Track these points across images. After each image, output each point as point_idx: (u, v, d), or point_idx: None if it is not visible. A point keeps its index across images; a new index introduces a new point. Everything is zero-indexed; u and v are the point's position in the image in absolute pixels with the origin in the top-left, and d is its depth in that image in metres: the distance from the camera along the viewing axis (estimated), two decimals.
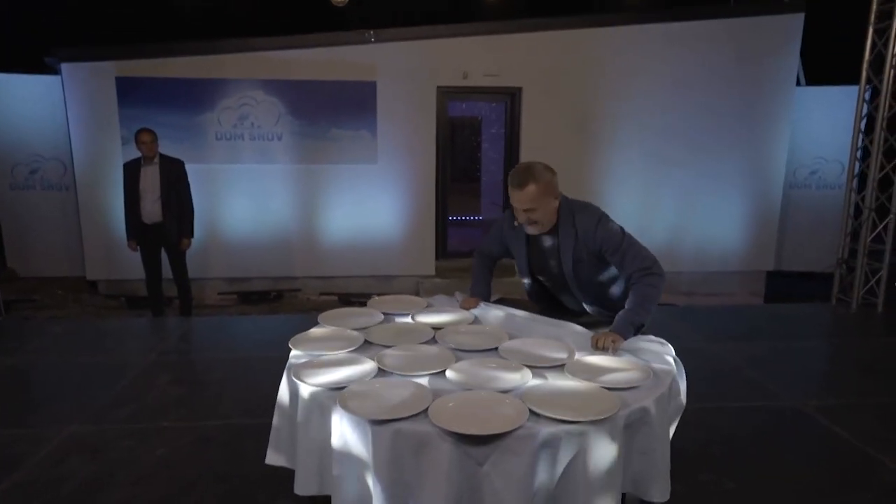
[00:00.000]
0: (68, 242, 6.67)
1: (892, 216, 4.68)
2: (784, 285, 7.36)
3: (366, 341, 2.07)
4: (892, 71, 4.50)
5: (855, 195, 5.02)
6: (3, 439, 2.84)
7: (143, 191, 4.91)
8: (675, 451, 1.83)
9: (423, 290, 6.68)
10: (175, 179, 4.98)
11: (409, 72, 6.56)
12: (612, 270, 2.31)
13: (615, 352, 1.94)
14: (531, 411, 1.52)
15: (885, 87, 4.48)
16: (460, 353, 1.98)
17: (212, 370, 3.66)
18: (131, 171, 4.95)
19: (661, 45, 6.66)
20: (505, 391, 1.66)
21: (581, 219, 2.23)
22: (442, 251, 7.21)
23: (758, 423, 3.07)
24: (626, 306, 2.12)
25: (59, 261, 6.78)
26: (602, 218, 2.24)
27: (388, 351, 1.96)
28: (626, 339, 2.01)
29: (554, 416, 1.49)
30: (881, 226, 4.80)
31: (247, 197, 6.62)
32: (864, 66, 4.64)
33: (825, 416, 3.13)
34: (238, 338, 4.50)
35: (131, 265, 5.42)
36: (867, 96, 4.83)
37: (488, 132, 9.77)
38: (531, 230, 2.24)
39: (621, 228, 2.25)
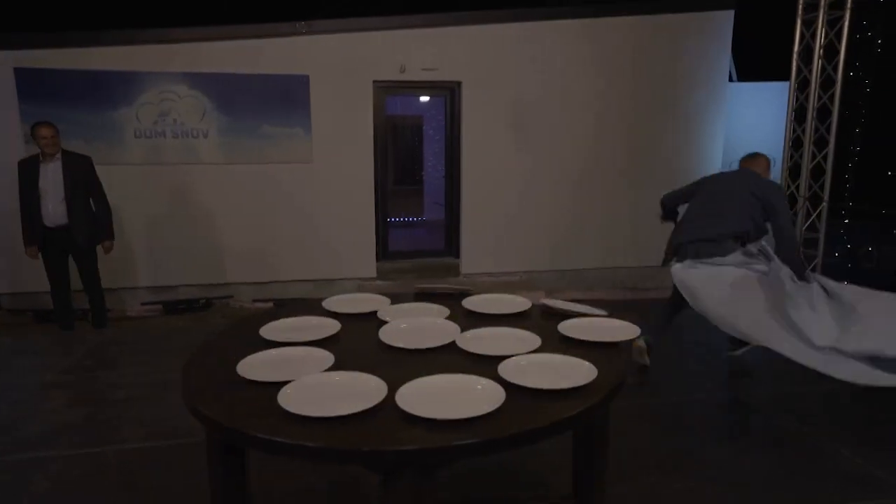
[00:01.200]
0: None
1: (824, 204, 4.72)
2: None
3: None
4: (820, 61, 4.55)
5: (791, 185, 5.06)
6: None
7: (43, 191, 4.43)
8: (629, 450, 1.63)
9: (365, 292, 6.38)
10: (82, 178, 4.52)
11: (343, 65, 6.26)
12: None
13: None
14: None
15: (815, 77, 4.51)
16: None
17: (117, 389, 3.26)
18: (28, 170, 4.45)
19: (598, 40, 6.63)
20: None
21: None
22: (383, 252, 6.94)
23: (703, 417, 2.94)
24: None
25: None
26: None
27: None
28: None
29: None
30: (814, 214, 4.85)
31: (171, 199, 6.16)
32: (794, 57, 4.67)
33: (772, 407, 3.04)
34: (153, 351, 4.09)
35: (39, 276, 4.89)
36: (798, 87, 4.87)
37: (431, 132, 9.55)
38: None
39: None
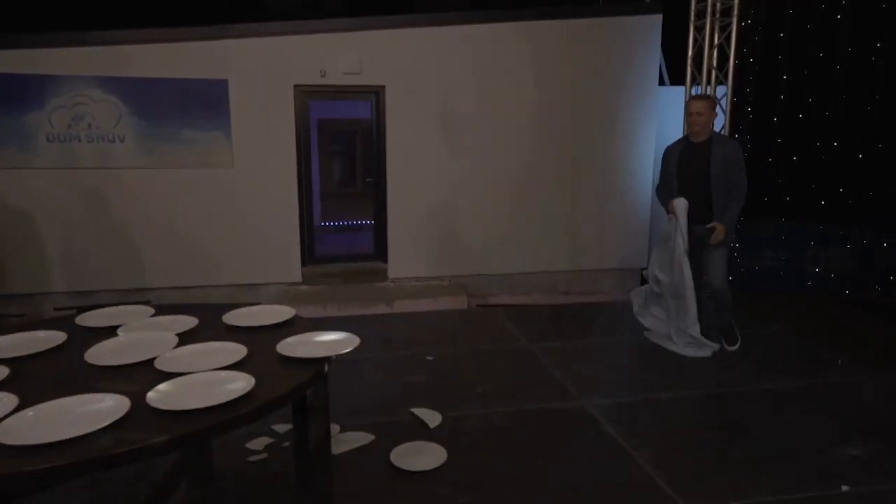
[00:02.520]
0: None
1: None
2: None
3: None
4: (713, 71, 4.49)
5: None
6: None
7: None
8: None
9: (289, 297, 6.33)
10: None
11: (263, 70, 6.20)
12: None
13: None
14: None
15: (704, 84, 4.45)
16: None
17: None
18: None
19: (527, 43, 6.56)
20: None
21: (722, 138, 4.12)
22: (309, 257, 6.87)
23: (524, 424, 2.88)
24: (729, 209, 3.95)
25: None
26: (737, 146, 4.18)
27: None
28: (729, 231, 3.94)
29: None
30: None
31: (88, 203, 6.10)
32: (689, 63, 4.61)
33: (604, 415, 2.97)
34: None
35: None
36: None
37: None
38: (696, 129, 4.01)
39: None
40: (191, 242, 6.35)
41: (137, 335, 1.92)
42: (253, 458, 2.65)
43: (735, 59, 4.38)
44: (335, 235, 9.14)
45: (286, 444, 2.77)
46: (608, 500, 2.35)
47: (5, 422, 1.36)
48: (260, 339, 1.91)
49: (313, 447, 1.84)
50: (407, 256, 6.82)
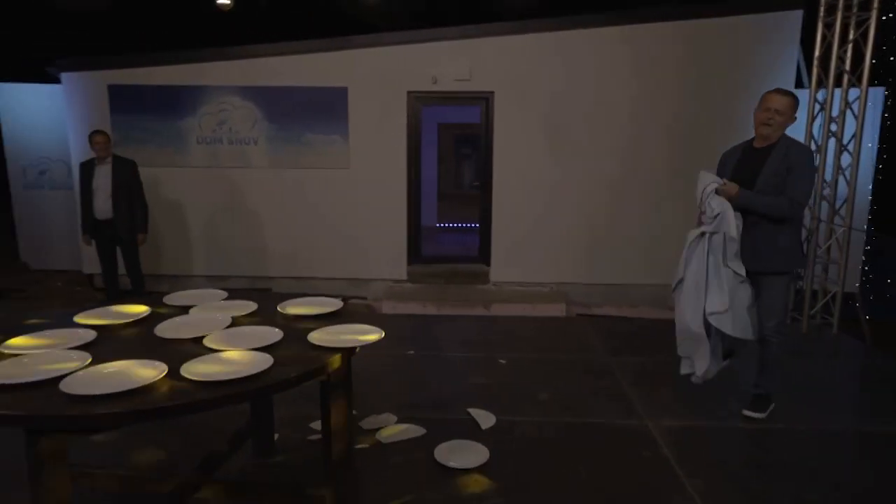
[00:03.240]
0: (71, 237, 7.23)
1: (844, 229, 4.16)
2: None
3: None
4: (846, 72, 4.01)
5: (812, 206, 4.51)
6: None
7: (95, 188, 5.26)
8: None
9: (392, 293, 6.68)
10: (126, 179, 5.29)
11: (379, 77, 6.61)
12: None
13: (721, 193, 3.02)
14: None
15: (843, 87, 4.00)
16: None
17: None
18: (86, 170, 5.31)
19: (643, 46, 6.31)
20: None
21: (794, 144, 3.05)
22: (415, 256, 7.17)
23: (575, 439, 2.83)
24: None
25: (64, 255, 7.36)
26: (810, 151, 3.10)
27: None
28: (738, 198, 2.97)
29: None
30: (831, 239, 4.29)
31: (225, 198, 6.91)
32: (815, 65, 4.18)
33: (664, 436, 2.83)
34: None
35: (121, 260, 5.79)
36: (822, 97, 4.34)
37: None
38: (764, 131, 3.06)
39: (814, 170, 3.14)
40: (309, 237, 6.93)
41: (201, 315, 2.21)
42: (312, 437, 2.89)
43: (872, 58, 3.87)
44: (447, 236, 9.38)
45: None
46: None
47: (76, 375, 1.66)
48: (301, 327, 2.11)
49: (331, 434, 2.00)
50: (509, 261, 6.87)
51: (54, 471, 1.56)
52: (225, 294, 2.54)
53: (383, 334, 2.03)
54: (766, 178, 2.98)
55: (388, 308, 6.26)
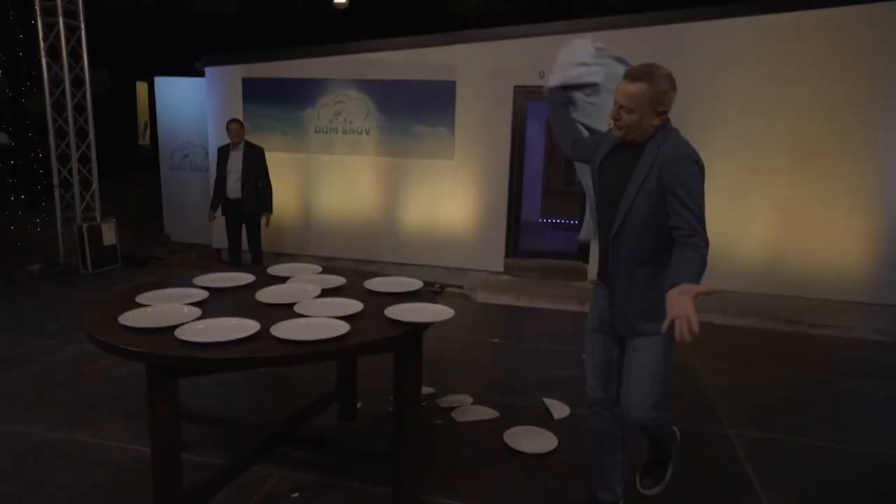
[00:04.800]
0: (205, 216, 8.07)
1: None
2: None
3: None
4: None
5: None
6: (38, 345, 3.77)
7: (229, 171, 5.87)
8: None
9: (488, 285, 6.81)
10: (254, 163, 5.84)
11: (487, 71, 6.72)
12: (662, 245, 1.99)
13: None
14: None
15: None
16: None
17: None
18: (222, 154, 5.93)
19: (758, 41, 5.91)
20: None
21: (671, 144, 2.01)
22: (513, 250, 7.23)
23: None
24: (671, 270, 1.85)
25: (199, 230, 8.23)
26: (694, 160, 1.99)
27: None
28: (694, 291, 1.73)
29: None
30: None
31: (338, 185, 7.38)
32: None
33: (745, 447, 2.72)
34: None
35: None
36: None
37: None
38: (616, 129, 2.04)
39: (702, 191, 1.98)
40: (412, 223, 7.22)
41: (296, 286, 2.47)
42: (392, 409, 3.08)
43: None
44: (549, 232, 9.33)
45: (423, 403, 3.15)
46: None
47: (187, 325, 1.95)
48: (380, 302, 2.29)
49: (405, 398, 2.16)
50: None
51: (166, 404, 1.85)
52: (319, 269, 2.79)
53: (453, 313, 2.14)
54: (632, 195, 2.01)
55: (482, 298, 6.40)
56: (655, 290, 1.98)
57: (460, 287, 7.14)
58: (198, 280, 2.52)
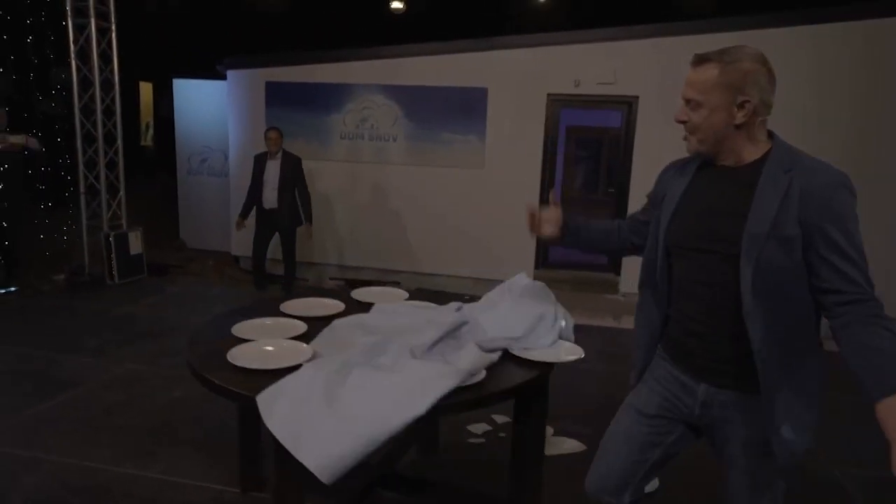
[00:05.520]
0: (223, 221, 7.86)
1: None
2: None
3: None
4: None
5: None
6: (80, 365, 3.58)
7: (265, 180, 5.68)
8: None
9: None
10: (292, 173, 5.65)
11: (520, 79, 6.59)
12: (803, 304, 1.39)
13: None
14: None
15: None
16: None
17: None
18: (259, 162, 5.75)
19: (795, 50, 5.84)
20: None
21: (806, 162, 1.41)
22: (543, 260, 7.11)
23: None
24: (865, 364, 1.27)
25: (217, 237, 8.02)
26: (850, 188, 1.37)
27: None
28: None
29: None
30: None
31: (363, 193, 7.21)
32: None
33: (862, 490, 2.59)
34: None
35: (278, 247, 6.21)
36: None
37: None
38: (689, 142, 1.54)
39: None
40: (440, 233, 7.07)
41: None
42: (472, 440, 2.94)
43: None
44: None
45: (502, 434, 3.00)
46: None
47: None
48: None
49: (529, 444, 2.01)
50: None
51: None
52: (406, 294, 2.63)
53: (583, 353, 2.00)
54: (759, 245, 1.35)
55: None
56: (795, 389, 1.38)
57: None
58: (287, 308, 2.36)
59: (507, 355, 1.96)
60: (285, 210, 5.62)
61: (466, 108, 6.76)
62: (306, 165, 7.16)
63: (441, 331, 1.90)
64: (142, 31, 8.13)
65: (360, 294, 2.60)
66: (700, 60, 1.48)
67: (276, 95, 7.15)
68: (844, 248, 1.31)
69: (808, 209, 1.33)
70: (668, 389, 1.59)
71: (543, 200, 6.83)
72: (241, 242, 7.55)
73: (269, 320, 2.20)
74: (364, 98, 6.98)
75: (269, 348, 1.92)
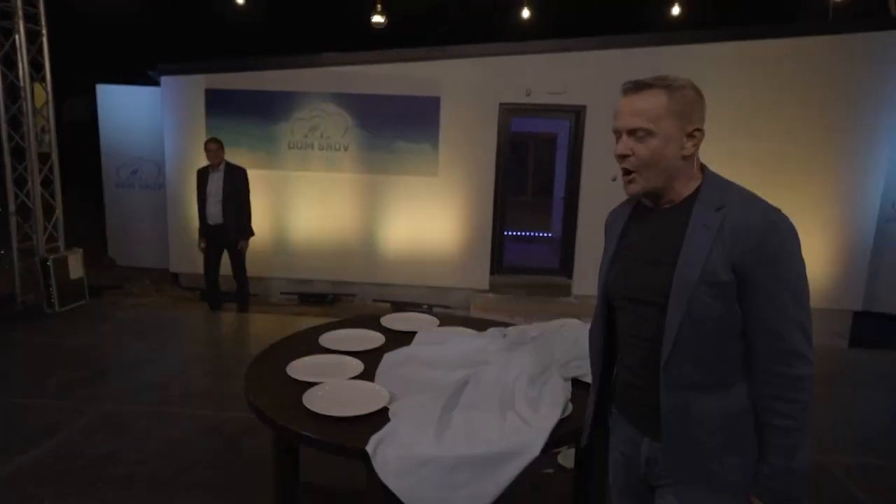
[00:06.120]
0: (158, 237, 7.37)
1: None
2: (874, 328, 6.69)
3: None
4: None
5: None
6: (49, 409, 3.24)
7: (208, 194, 5.37)
8: None
9: (474, 304, 6.74)
10: (236, 185, 5.38)
11: (472, 88, 6.67)
12: (731, 356, 1.26)
13: None
14: None
15: None
16: None
17: (242, 366, 3.93)
18: (202, 176, 5.42)
19: (734, 64, 6.33)
20: None
21: (737, 198, 1.27)
22: (497, 266, 7.23)
23: None
24: (768, 441, 1.23)
25: (150, 253, 7.50)
26: (791, 229, 1.24)
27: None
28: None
29: None
30: None
31: (313, 203, 7.01)
32: None
33: (849, 476, 2.86)
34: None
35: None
36: None
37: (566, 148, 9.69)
38: (628, 184, 1.33)
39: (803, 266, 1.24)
40: (394, 243, 7.01)
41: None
42: (545, 470, 2.87)
43: None
44: (511, 245, 9.44)
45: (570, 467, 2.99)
46: None
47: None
48: None
49: (595, 482, 2.04)
50: (593, 274, 6.89)
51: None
52: (437, 321, 2.59)
53: None
54: (688, 288, 1.23)
55: (475, 316, 6.33)
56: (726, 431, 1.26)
57: (447, 307, 7.02)
58: (326, 341, 2.26)
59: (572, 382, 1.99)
60: (231, 225, 5.34)
61: (419, 117, 6.75)
62: (252, 175, 6.86)
63: (524, 365, 1.90)
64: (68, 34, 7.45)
65: (391, 322, 2.54)
66: (640, 86, 1.28)
67: (218, 103, 6.80)
68: (781, 297, 1.19)
69: (738, 252, 1.20)
70: (623, 453, 1.46)
71: (497, 206, 6.95)
72: (180, 259, 7.11)
73: (321, 358, 2.10)
74: (313, 106, 6.79)
75: (345, 392, 1.84)
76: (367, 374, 1.99)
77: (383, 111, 6.75)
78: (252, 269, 7.07)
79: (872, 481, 2.81)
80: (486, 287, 7.07)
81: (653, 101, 1.27)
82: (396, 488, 1.50)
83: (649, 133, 1.27)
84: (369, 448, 1.54)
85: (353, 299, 7.09)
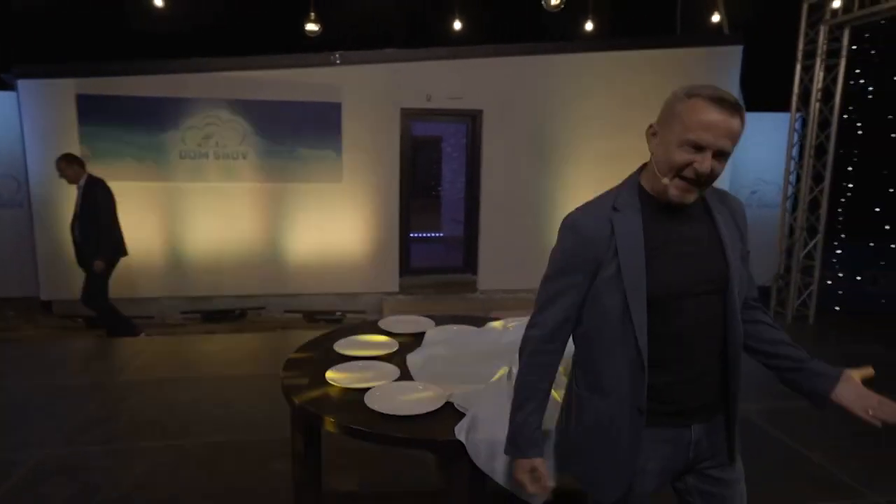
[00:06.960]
0: (21, 261, 6.51)
1: (820, 235, 5.10)
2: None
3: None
4: (818, 104, 4.96)
5: (789, 216, 5.44)
6: None
7: (74, 212, 4.93)
8: None
9: (387, 306, 6.80)
10: (91, 200, 4.89)
11: (373, 94, 6.73)
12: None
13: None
14: None
15: (812, 118, 4.92)
16: None
17: (182, 391, 3.69)
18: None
19: (611, 71, 7.06)
20: None
21: (724, 192, 1.53)
22: (405, 268, 7.36)
23: None
24: (798, 357, 1.51)
25: (12, 280, 6.60)
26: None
27: None
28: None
29: None
30: (811, 244, 5.23)
31: (211, 215, 6.62)
32: (794, 98, 5.07)
33: (765, 420, 3.42)
34: (204, 357, 4.53)
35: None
36: (798, 125, 5.28)
37: (449, 149, 10.03)
38: (685, 193, 1.35)
39: None
40: (301, 251, 6.86)
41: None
42: None
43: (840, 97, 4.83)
44: (418, 245, 9.63)
45: None
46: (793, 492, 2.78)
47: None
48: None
49: None
50: (496, 269, 7.30)
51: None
52: (433, 322, 2.68)
53: None
54: (736, 267, 1.41)
55: None
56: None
57: (362, 312, 7.02)
58: (342, 349, 2.27)
59: None
60: (84, 244, 4.88)
61: (321, 123, 6.67)
62: (138, 188, 6.35)
63: None
64: None
65: (388, 325, 2.60)
66: (737, 108, 1.28)
67: (93, 110, 6.17)
68: (745, 256, 1.47)
69: (741, 228, 1.47)
70: (664, 457, 1.43)
71: (403, 209, 7.08)
72: (53, 285, 6.35)
73: (358, 364, 2.13)
74: (206, 114, 6.42)
75: (398, 393, 1.90)
76: (405, 376, 2.06)
77: (283, 118, 6.58)
78: (144, 289, 6.55)
79: (784, 422, 3.40)
80: (397, 289, 7.16)
81: (739, 127, 1.30)
82: (490, 471, 1.62)
83: (727, 155, 1.31)
84: (461, 437, 1.64)
85: (261, 312, 6.81)
